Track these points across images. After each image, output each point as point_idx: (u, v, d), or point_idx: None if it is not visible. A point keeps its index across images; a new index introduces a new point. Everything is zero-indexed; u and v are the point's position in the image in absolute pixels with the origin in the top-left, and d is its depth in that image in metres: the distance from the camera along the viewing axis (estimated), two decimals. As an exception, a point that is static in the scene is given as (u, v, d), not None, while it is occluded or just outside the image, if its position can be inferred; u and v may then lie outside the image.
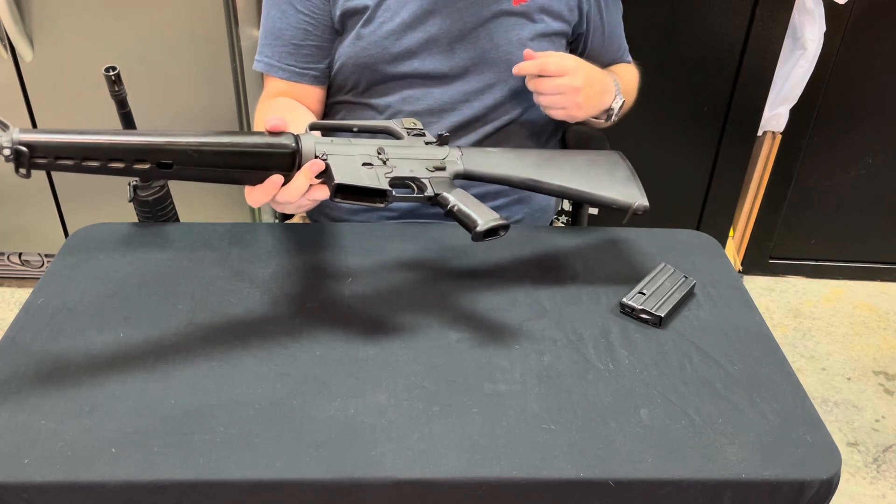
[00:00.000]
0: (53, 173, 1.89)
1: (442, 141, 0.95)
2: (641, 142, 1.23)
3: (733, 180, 2.04)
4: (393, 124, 0.95)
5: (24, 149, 0.71)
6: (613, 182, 1.01)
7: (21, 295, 2.14)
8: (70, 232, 1.56)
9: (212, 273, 1.01)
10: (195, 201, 1.68)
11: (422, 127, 0.96)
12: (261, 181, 0.82)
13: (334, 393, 0.83)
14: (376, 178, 0.85)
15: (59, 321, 0.91)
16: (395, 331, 0.92)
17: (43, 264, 2.15)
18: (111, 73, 0.98)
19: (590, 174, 1.01)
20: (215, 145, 0.79)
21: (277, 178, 0.82)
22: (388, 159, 0.89)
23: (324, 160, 0.83)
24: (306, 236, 1.10)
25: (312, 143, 0.84)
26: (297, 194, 0.83)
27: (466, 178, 0.96)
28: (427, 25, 1.09)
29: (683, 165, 2.02)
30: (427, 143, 0.95)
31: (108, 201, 1.80)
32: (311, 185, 0.83)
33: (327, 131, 0.91)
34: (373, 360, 0.88)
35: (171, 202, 1.14)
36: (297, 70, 1.14)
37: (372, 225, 1.15)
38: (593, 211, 2.08)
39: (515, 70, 1.04)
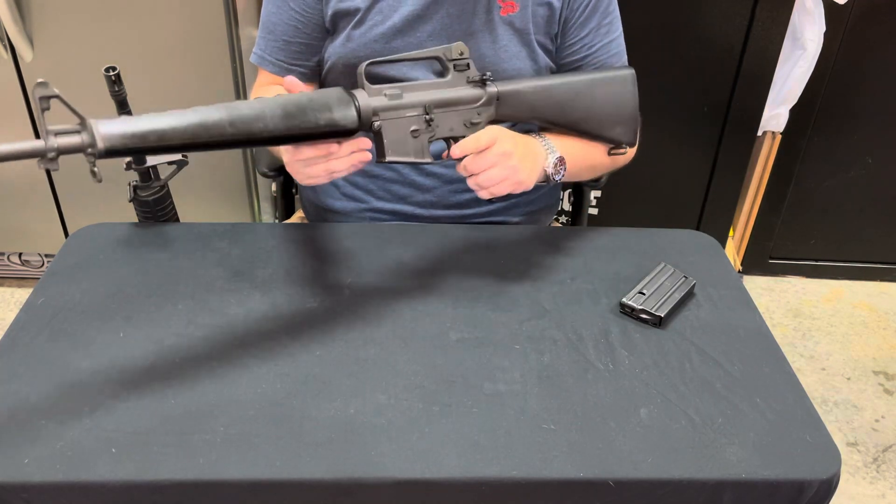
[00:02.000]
0: (53, 173, 1.89)
1: (483, 82, 0.98)
2: (641, 141, 1.22)
3: (733, 180, 2.04)
4: (442, 55, 0.97)
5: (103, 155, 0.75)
6: (618, 120, 1.10)
7: (21, 295, 2.14)
8: (70, 232, 1.55)
9: (212, 273, 1.01)
10: (195, 201, 1.68)
11: (467, 58, 0.98)
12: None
13: (334, 393, 0.83)
14: (420, 150, 0.94)
15: (59, 321, 0.91)
16: (395, 331, 0.92)
17: (43, 264, 2.15)
18: (111, 73, 0.98)
19: (601, 114, 1.09)
20: (286, 134, 0.83)
21: (335, 147, 0.88)
22: (432, 119, 0.94)
23: (377, 130, 0.91)
24: (306, 236, 1.10)
25: (370, 108, 0.89)
26: (345, 166, 0.90)
27: (498, 123, 1.00)
28: (417, 31, 1.08)
29: (683, 165, 2.02)
30: (469, 82, 0.98)
31: (108, 201, 1.80)
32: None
33: (384, 64, 0.98)
34: (373, 360, 0.88)
35: (171, 202, 1.14)
36: (286, 65, 1.14)
37: (372, 225, 1.15)
38: (593, 211, 2.09)
39: (454, 155, 0.96)
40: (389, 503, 0.76)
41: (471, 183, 0.96)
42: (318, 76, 1.18)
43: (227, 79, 1.76)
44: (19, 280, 2.19)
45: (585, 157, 1.12)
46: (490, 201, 1.20)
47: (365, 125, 0.89)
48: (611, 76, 1.11)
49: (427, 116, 0.94)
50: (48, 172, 1.88)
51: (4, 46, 1.71)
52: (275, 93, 1.14)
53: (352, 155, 0.90)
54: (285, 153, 0.92)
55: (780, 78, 1.92)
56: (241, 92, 1.80)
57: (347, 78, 1.13)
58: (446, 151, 0.97)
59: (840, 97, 2.03)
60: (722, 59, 1.85)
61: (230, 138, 0.80)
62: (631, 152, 1.19)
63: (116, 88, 1.00)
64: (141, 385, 0.83)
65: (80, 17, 1.68)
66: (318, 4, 1.10)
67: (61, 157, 0.74)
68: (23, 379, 0.83)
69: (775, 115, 1.98)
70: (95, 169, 0.73)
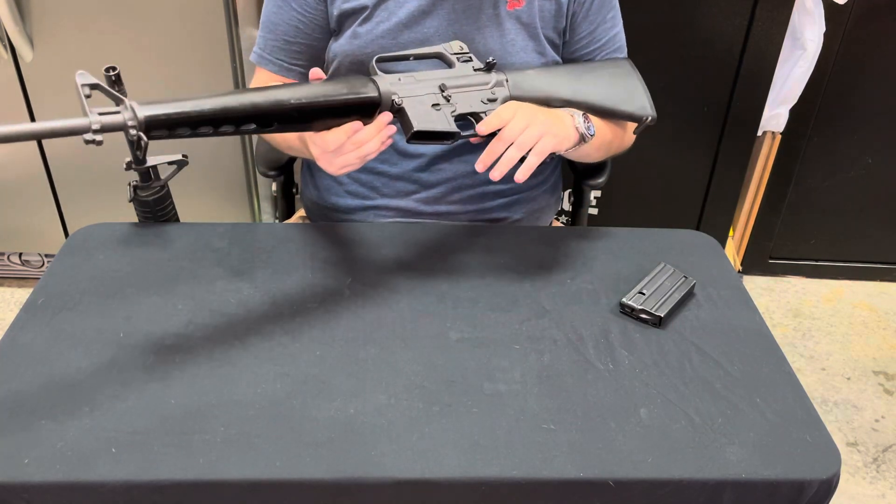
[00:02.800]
0: (54, 173, 1.89)
1: (489, 67, 1.02)
2: (641, 141, 1.22)
3: (733, 180, 2.04)
4: (444, 50, 1.02)
5: (143, 129, 0.77)
6: (630, 95, 1.13)
7: (21, 295, 2.14)
8: (70, 232, 1.56)
9: (212, 273, 1.01)
10: (195, 201, 1.68)
11: (467, 50, 1.03)
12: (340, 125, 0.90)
13: (334, 393, 0.83)
14: (445, 120, 0.95)
15: (59, 321, 0.91)
16: (395, 331, 0.92)
17: (43, 264, 2.15)
18: (111, 73, 0.98)
19: (611, 89, 1.12)
20: (312, 104, 0.86)
21: (358, 124, 0.90)
22: (450, 97, 0.97)
23: (398, 105, 0.92)
24: (306, 236, 1.10)
25: (388, 86, 0.92)
26: (364, 141, 0.90)
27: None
28: (423, 26, 1.09)
29: (683, 165, 2.02)
30: (476, 70, 1.01)
31: (108, 201, 1.80)
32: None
33: (390, 61, 1.00)
34: (373, 360, 0.88)
35: (171, 202, 1.14)
36: (286, 65, 1.15)
37: (372, 225, 1.15)
38: (593, 211, 2.09)
39: (481, 132, 0.97)
40: (389, 503, 0.76)
41: (512, 151, 0.93)
42: None
43: (227, 79, 1.76)
44: (19, 280, 2.19)
45: (603, 132, 1.12)
46: (497, 196, 1.21)
47: (386, 102, 0.91)
48: (610, 64, 1.15)
49: (444, 93, 0.96)
50: (48, 171, 1.88)
51: (4, 46, 1.71)
52: None
53: (380, 133, 0.91)
54: (314, 146, 0.94)
55: (780, 78, 1.92)
56: (241, 92, 1.80)
57: (358, 73, 1.12)
58: (475, 128, 0.98)
59: (840, 97, 2.03)
60: (722, 59, 1.85)
61: (262, 108, 0.83)
62: (630, 134, 1.20)
63: (116, 88, 1.00)
64: (141, 385, 0.83)
65: (80, 17, 1.68)
66: (320, 5, 1.10)
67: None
68: (23, 379, 0.83)
69: (775, 115, 1.98)
70: (143, 141, 0.77)
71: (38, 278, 1.29)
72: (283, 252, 1.06)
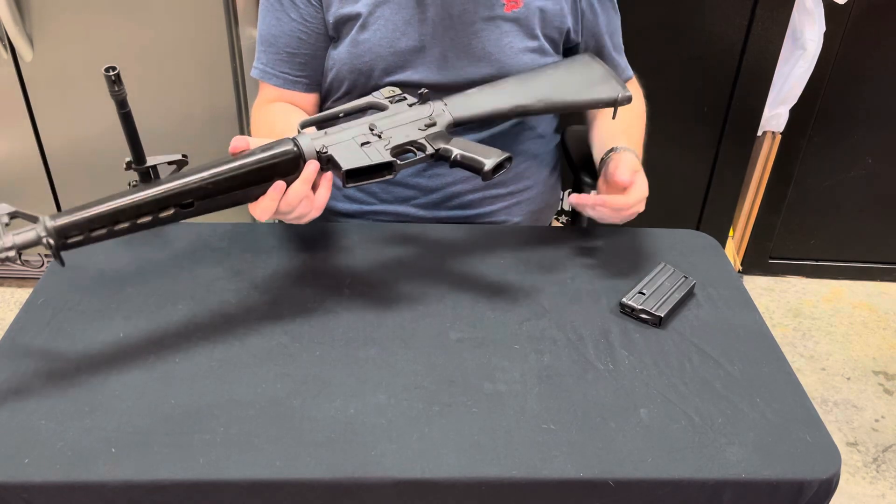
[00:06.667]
0: (53, 173, 1.89)
1: (424, 99, 0.98)
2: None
3: (733, 180, 2.04)
4: (375, 98, 0.98)
5: (55, 238, 0.79)
6: (592, 83, 1.07)
7: (21, 295, 2.14)
8: (70, 232, 1.55)
9: (212, 273, 1.01)
10: (195, 201, 1.68)
11: (401, 92, 0.99)
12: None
13: (334, 393, 0.83)
14: (378, 154, 0.89)
15: (59, 321, 0.92)
16: (395, 331, 0.92)
17: (43, 264, 2.15)
18: (111, 73, 0.98)
19: (568, 82, 1.07)
20: (226, 172, 0.84)
21: (280, 184, 0.86)
22: (381, 133, 0.92)
23: (324, 154, 0.87)
24: (306, 236, 1.10)
25: (310, 140, 0.88)
26: (297, 199, 0.86)
27: (459, 126, 0.99)
28: (420, 33, 1.09)
29: (683, 165, 2.02)
30: (411, 105, 0.97)
31: (108, 201, 1.80)
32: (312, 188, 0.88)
33: (318, 124, 0.94)
34: (373, 360, 0.88)
35: (171, 202, 1.13)
36: (291, 78, 1.14)
37: (372, 225, 1.15)
38: (593, 211, 2.08)
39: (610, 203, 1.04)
40: (389, 503, 0.76)
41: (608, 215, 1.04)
42: (320, 86, 1.18)
43: (227, 79, 1.76)
44: (19, 280, 2.19)
45: (640, 135, 1.17)
46: (496, 200, 1.20)
47: (310, 154, 0.87)
48: (567, 61, 1.13)
49: (374, 131, 0.92)
50: (47, 171, 1.88)
51: (4, 46, 1.71)
52: (282, 111, 1.14)
53: (317, 186, 0.88)
54: (256, 214, 0.90)
55: (780, 78, 1.92)
56: (241, 91, 1.80)
57: (352, 84, 1.12)
58: (568, 199, 1.00)
59: (840, 97, 2.03)
60: (722, 59, 1.85)
61: (175, 191, 0.82)
62: (641, 106, 1.21)
63: (116, 88, 1.00)
64: (141, 385, 0.83)
65: (80, 17, 1.68)
66: (318, 13, 1.10)
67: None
68: (23, 379, 0.83)
69: (775, 115, 1.98)
70: (55, 249, 0.81)
71: (38, 278, 1.29)
72: (283, 252, 1.06)
